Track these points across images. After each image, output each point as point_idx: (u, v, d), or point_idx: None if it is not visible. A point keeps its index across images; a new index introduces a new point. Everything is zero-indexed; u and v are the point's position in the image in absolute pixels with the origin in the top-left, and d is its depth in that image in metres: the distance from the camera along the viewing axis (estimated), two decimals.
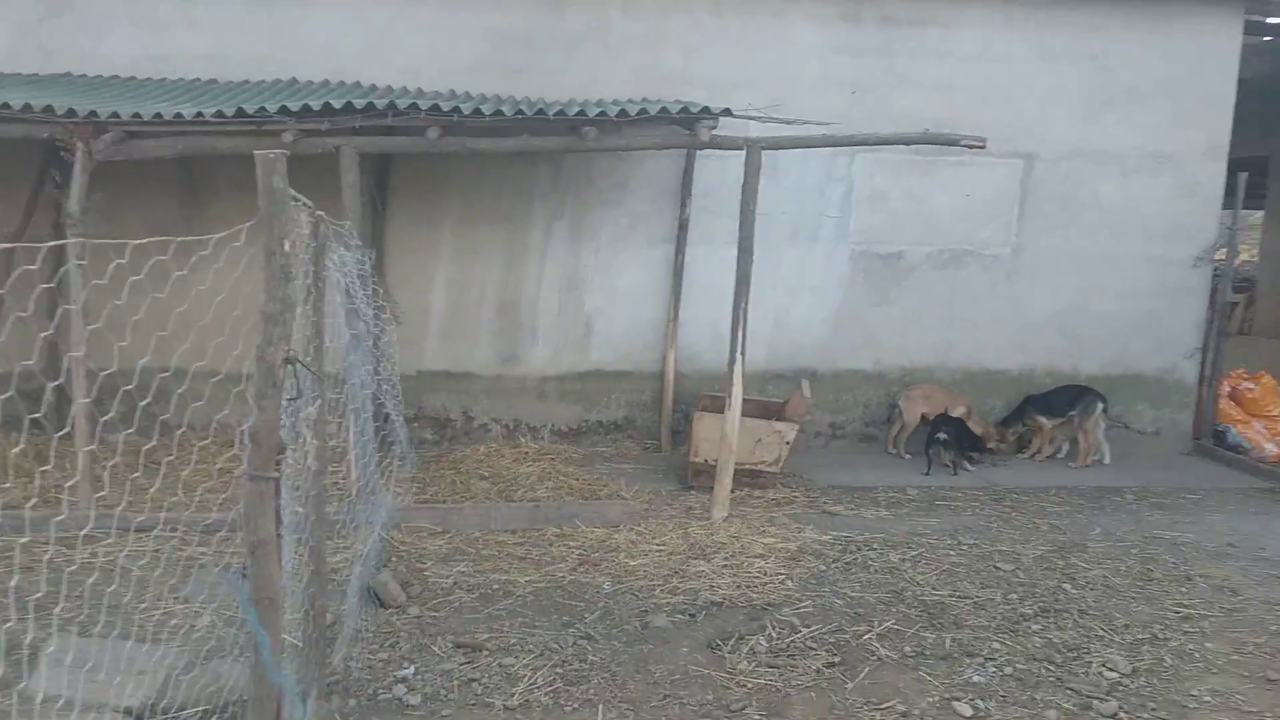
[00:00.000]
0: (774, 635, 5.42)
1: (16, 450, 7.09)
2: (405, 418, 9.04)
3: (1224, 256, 11.04)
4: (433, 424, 9.51)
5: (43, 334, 6.39)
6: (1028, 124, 9.97)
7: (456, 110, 7.39)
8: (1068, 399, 9.87)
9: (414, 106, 7.35)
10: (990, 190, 10.08)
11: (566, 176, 9.54)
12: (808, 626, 5.57)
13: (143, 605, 5.09)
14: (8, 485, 6.57)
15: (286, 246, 2.85)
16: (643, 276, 9.75)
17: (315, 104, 7.25)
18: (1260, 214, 15.88)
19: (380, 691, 4.70)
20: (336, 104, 7.24)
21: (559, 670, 4.97)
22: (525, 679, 4.86)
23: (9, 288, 6.00)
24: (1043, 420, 9.93)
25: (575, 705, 4.66)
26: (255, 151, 2.99)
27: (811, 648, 5.33)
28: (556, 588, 6.10)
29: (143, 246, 2.88)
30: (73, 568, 4.90)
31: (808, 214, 9.86)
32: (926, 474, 9.27)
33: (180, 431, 6.69)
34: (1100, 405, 9.71)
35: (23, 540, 4.98)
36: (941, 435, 9.29)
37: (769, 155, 7.65)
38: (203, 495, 5.43)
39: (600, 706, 4.65)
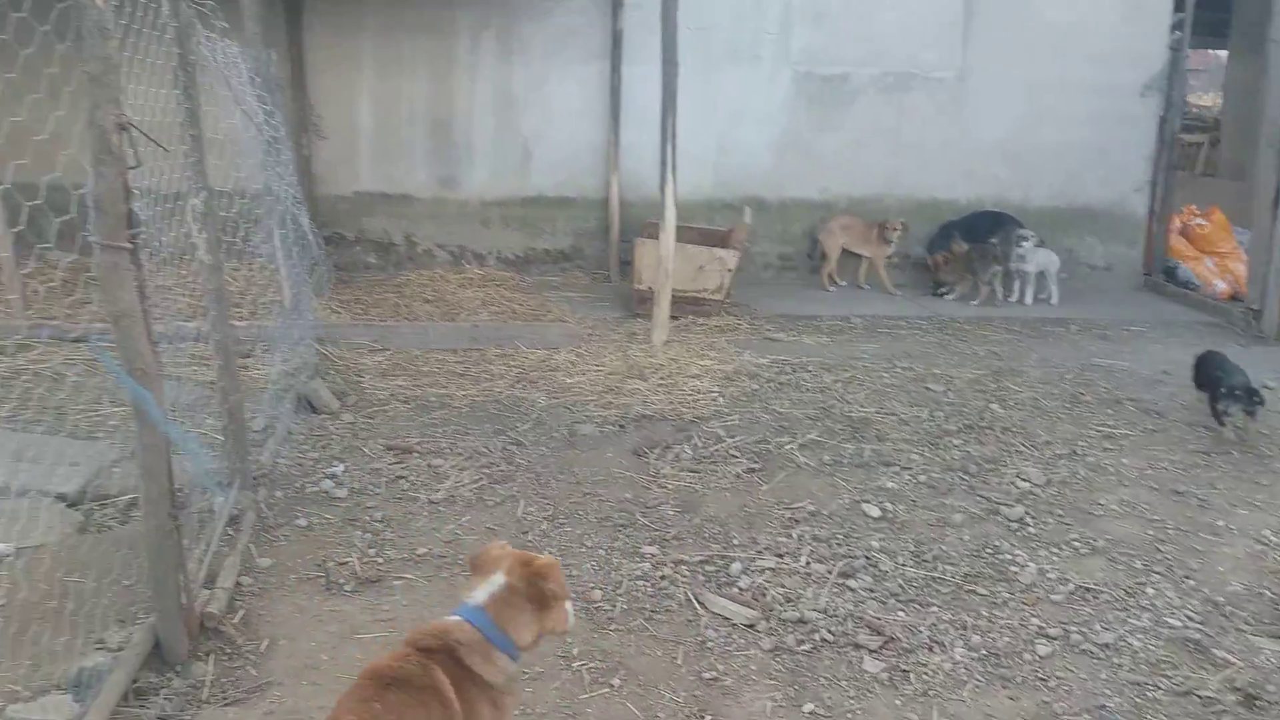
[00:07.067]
0: (699, 444, 5.56)
1: None
2: (346, 240, 8.97)
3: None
4: (375, 248, 9.37)
5: None
6: None
7: None
8: (987, 225, 9.64)
9: None
10: (934, 8, 9.74)
11: None
12: (732, 437, 5.71)
13: (79, 407, 5.18)
14: None
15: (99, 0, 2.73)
16: (579, 96, 9.42)
17: None
18: (1226, 54, 15.59)
19: (308, 485, 4.83)
20: None
21: (485, 470, 5.11)
22: (452, 477, 4.99)
23: None
24: (964, 245, 9.61)
25: (498, 500, 4.81)
26: None
27: (734, 456, 5.47)
28: (492, 401, 6.19)
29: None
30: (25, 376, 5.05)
31: (745, 30, 9.51)
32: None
33: None
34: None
35: None
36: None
37: None
38: None
39: (521, 501, 4.80)
